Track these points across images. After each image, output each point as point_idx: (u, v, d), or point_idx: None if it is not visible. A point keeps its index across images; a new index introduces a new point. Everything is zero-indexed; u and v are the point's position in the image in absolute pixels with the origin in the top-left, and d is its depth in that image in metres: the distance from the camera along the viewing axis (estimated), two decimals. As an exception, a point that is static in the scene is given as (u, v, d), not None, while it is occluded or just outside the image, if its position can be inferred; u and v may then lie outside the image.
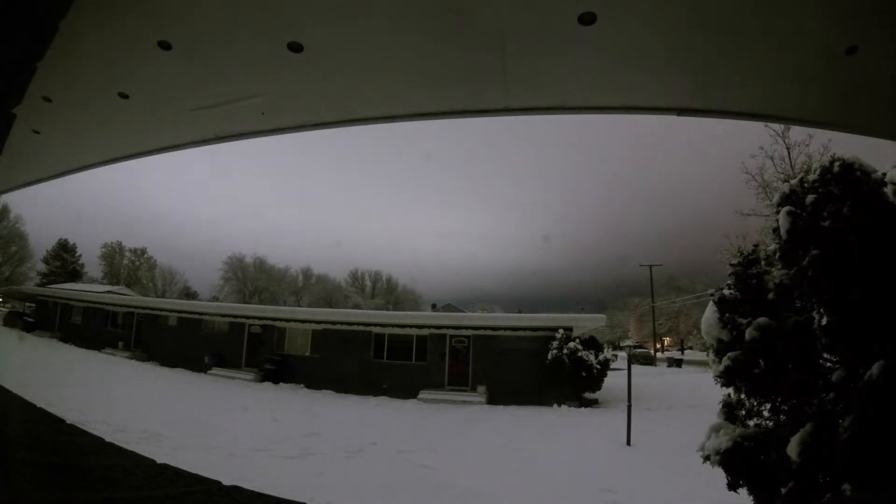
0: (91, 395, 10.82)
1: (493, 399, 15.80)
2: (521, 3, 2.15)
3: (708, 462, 3.33)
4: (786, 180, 3.52)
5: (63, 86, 2.82)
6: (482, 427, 11.97)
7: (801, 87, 2.60)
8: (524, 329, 17.58)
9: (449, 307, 38.65)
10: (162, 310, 23.05)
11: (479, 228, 75.93)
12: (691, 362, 34.51)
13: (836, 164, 3.07)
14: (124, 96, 2.97)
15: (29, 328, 25.11)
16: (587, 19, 2.17)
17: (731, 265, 3.64)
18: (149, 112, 3.18)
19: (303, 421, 11.33)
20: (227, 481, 2.26)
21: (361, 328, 18.56)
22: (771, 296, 3.27)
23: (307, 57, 2.52)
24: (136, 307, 23.81)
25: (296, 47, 2.45)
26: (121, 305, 24.21)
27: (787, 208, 3.17)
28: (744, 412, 3.47)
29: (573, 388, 15.55)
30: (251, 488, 2.25)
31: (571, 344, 15.78)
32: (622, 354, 33.86)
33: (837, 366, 2.89)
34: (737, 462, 3.18)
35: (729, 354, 3.32)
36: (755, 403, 3.39)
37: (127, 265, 55.00)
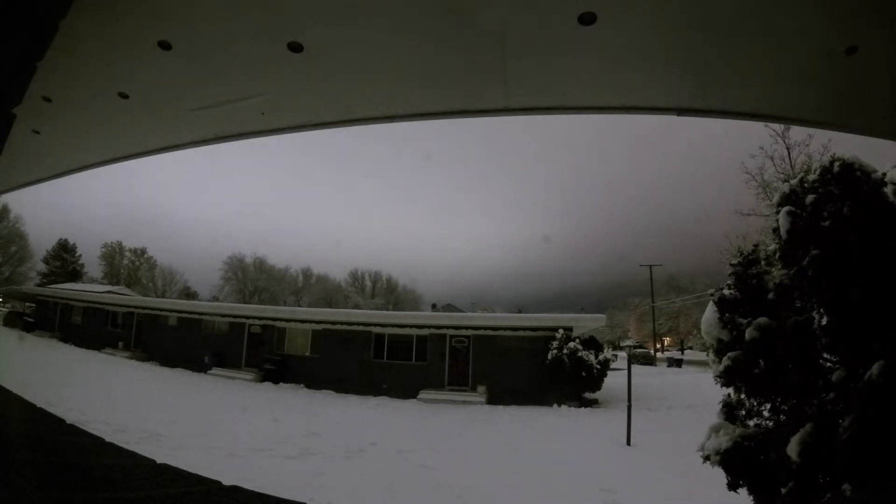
0: (91, 395, 10.82)
1: (493, 399, 15.80)
2: (521, 3, 2.15)
3: (708, 462, 3.33)
4: (786, 180, 3.52)
5: (63, 86, 2.82)
6: (482, 427, 11.97)
7: (801, 87, 2.60)
8: (524, 329, 17.58)
9: (449, 307, 38.64)
10: (162, 310, 23.05)
11: (479, 228, 76.06)
12: (691, 362, 34.51)
13: (836, 164, 3.06)
14: (124, 96, 2.97)
15: (29, 328, 25.11)
16: (587, 19, 2.17)
17: (731, 265, 3.64)
18: (149, 112, 3.18)
19: (303, 421, 11.33)
20: (227, 481, 2.26)
21: (361, 328, 18.56)
22: (771, 296, 3.27)
23: (307, 57, 2.52)
24: (136, 307, 23.81)
25: (296, 47, 2.45)
26: (121, 305, 24.21)
27: (787, 208, 3.17)
28: (744, 412, 3.47)
29: (573, 388, 15.55)
30: (251, 488, 2.25)
31: (571, 344, 15.78)
32: (622, 354, 33.88)
33: (837, 366, 2.89)
34: (737, 462, 3.18)
35: (729, 354, 3.32)
36: (755, 403, 3.38)
37: (127, 265, 55.03)
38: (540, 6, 2.16)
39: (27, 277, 45.20)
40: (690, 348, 44.23)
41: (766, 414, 3.34)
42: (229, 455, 7.53)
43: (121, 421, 8.40)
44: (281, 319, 19.94)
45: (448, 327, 17.98)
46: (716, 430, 3.41)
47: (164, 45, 2.48)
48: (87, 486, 2.02)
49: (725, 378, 3.36)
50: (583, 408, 15.17)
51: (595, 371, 15.66)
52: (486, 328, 17.96)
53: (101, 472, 2.26)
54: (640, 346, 39.64)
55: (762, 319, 3.17)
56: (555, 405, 15.19)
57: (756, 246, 3.70)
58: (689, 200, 59.41)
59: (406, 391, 16.27)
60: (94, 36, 2.41)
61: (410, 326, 18.36)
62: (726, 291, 3.56)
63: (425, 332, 18.05)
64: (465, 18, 2.25)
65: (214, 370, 18.87)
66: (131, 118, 3.26)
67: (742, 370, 3.25)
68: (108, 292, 29.73)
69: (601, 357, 16.21)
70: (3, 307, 35.18)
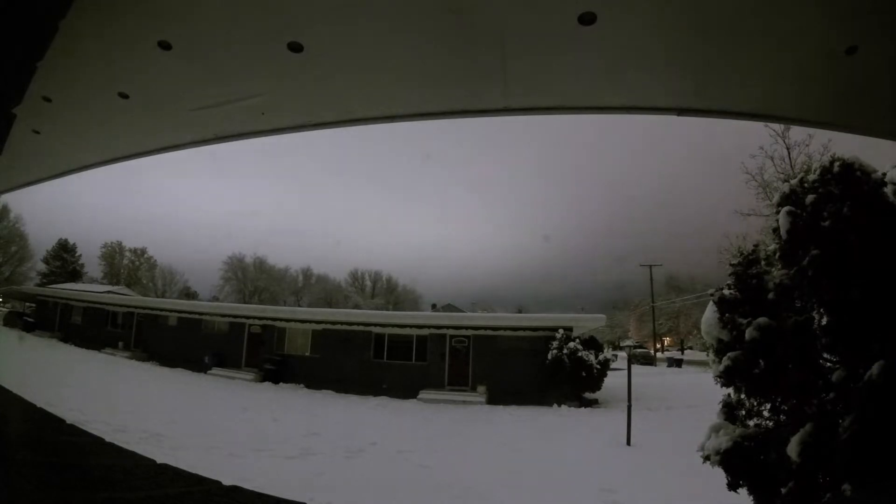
0: (91, 395, 10.82)
1: (493, 399, 15.80)
2: (521, 3, 2.15)
3: (708, 462, 3.33)
4: (786, 180, 3.52)
5: (63, 86, 2.82)
6: (482, 427, 11.97)
7: (801, 87, 2.60)
8: (524, 329, 17.58)
9: (449, 307, 38.63)
10: (162, 310, 23.05)
11: (479, 228, 75.99)
12: (691, 362, 34.49)
13: (836, 164, 3.06)
14: (124, 96, 2.97)
15: (29, 328, 25.10)
16: (587, 19, 2.17)
17: (731, 265, 3.64)
18: (149, 112, 3.18)
19: (303, 421, 11.33)
20: (227, 481, 2.26)
21: (361, 328, 18.56)
22: (771, 296, 3.27)
23: (307, 57, 2.52)
24: (136, 307, 23.80)
25: (296, 47, 2.45)
26: (121, 305, 24.20)
27: (787, 208, 3.17)
28: (744, 412, 3.46)
29: (573, 388, 15.55)
30: (251, 488, 2.25)
31: (571, 344, 15.78)
32: (622, 354, 33.85)
33: (837, 366, 2.89)
34: (737, 462, 3.18)
35: (729, 354, 3.32)
36: (755, 403, 3.38)
37: (127, 265, 55.03)
38: (540, 6, 2.16)
39: (27, 277, 45.21)
40: (690, 348, 44.21)
41: (766, 414, 3.34)
42: (229, 455, 7.53)
43: (121, 421, 8.40)
44: (281, 319, 19.93)
45: (448, 327, 17.98)
46: (716, 430, 3.41)
47: (164, 45, 2.48)
48: (87, 486, 2.03)
49: (725, 378, 3.36)
50: (583, 408, 15.17)
51: (595, 371, 15.66)
52: (486, 328, 17.96)
53: (101, 472, 2.26)
54: (640, 346, 39.61)
55: (762, 319, 3.17)
56: (555, 405, 15.19)
57: (756, 246, 3.70)
58: (689, 200, 59.33)
59: (406, 391, 16.26)
60: (94, 36, 2.41)
61: (410, 326, 18.36)
62: (726, 291, 3.56)
63: (425, 332, 18.04)
64: (465, 18, 2.25)
65: (214, 370, 18.86)
66: (131, 118, 3.26)
67: (742, 370, 3.25)
68: (108, 292, 29.73)
69: (601, 357, 16.21)
70: (3, 307, 35.18)
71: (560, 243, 74.25)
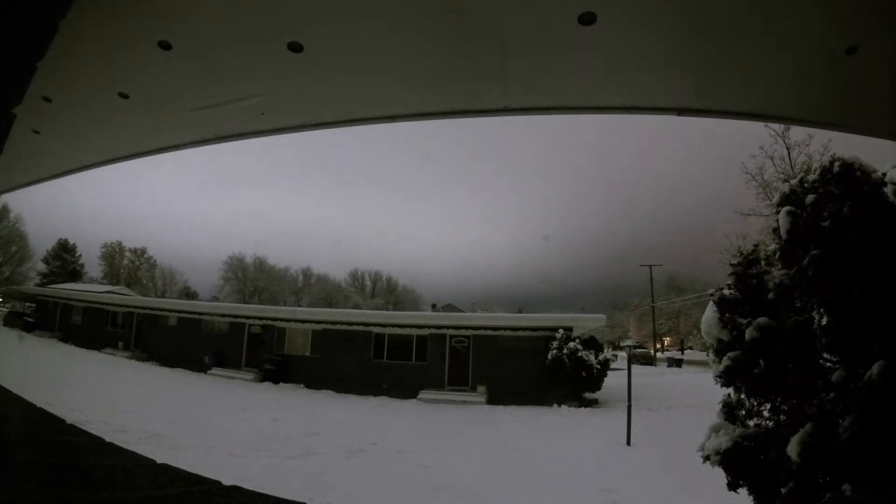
0: (91, 395, 10.82)
1: (493, 399, 15.80)
2: (521, 3, 2.15)
3: (708, 462, 3.33)
4: (786, 180, 3.52)
5: (63, 86, 2.82)
6: (482, 427, 11.97)
7: (801, 87, 2.60)
8: (524, 329, 17.57)
9: (449, 307, 38.64)
10: (162, 310, 23.05)
11: (479, 228, 75.91)
12: (691, 362, 34.49)
13: (836, 164, 3.06)
14: (124, 96, 2.97)
15: (29, 328, 25.10)
16: (587, 19, 2.18)
17: (731, 265, 3.64)
18: (149, 112, 3.18)
19: (303, 421, 11.33)
20: (227, 481, 2.25)
21: (361, 328, 18.56)
22: (771, 296, 3.27)
23: (307, 57, 2.52)
24: (136, 307, 23.80)
25: (296, 47, 2.45)
26: (121, 305, 24.20)
27: (787, 208, 3.17)
28: (744, 412, 3.46)
29: (573, 388, 15.55)
30: (251, 488, 2.25)
31: (571, 344, 15.77)
32: (622, 354, 33.84)
33: (837, 366, 2.89)
34: (737, 462, 3.18)
35: (729, 354, 3.32)
36: (755, 403, 3.38)
37: (127, 265, 55.00)
38: (540, 6, 2.16)
39: (27, 277, 45.19)
40: (690, 348, 44.20)
41: (766, 414, 3.34)
42: (229, 455, 7.53)
43: (121, 421, 8.40)
44: (281, 319, 19.93)
45: (448, 327, 17.97)
46: (716, 430, 3.41)
47: (164, 45, 2.48)
48: (87, 486, 2.02)
49: (725, 378, 3.36)
50: (583, 408, 15.17)
51: (595, 371, 15.66)
52: (486, 328, 17.95)
53: (101, 472, 2.25)
54: (640, 346, 39.61)
55: (762, 319, 3.17)
56: (555, 405, 15.18)
57: (756, 246, 3.70)
58: (689, 200, 59.31)
59: (406, 391, 16.26)
60: (94, 36, 2.41)
61: (410, 326, 18.36)
62: (726, 291, 3.56)
63: (425, 332, 18.04)
64: (465, 18, 2.25)
65: (214, 370, 18.86)
66: (131, 118, 3.26)
67: (742, 370, 3.25)
68: (108, 292, 29.72)
69: (601, 357, 16.21)
70: (3, 307, 35.17)
71: (560, 243, 74.29)
